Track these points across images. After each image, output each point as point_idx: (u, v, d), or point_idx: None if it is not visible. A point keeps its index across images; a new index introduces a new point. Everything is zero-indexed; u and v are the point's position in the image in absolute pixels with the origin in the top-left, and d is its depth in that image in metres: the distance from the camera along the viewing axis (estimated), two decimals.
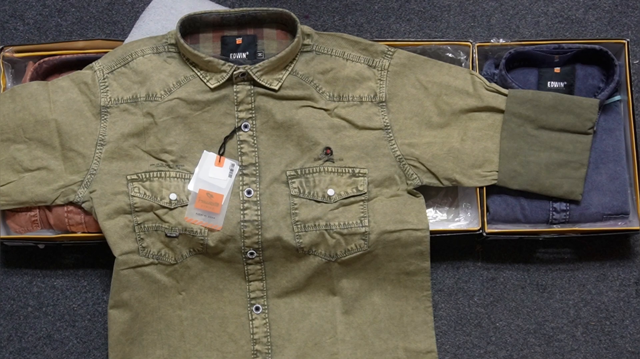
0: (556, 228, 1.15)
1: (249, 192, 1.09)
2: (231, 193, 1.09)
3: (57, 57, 1.17)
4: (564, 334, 1.20)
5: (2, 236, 1.15)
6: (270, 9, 1.11)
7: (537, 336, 1.20)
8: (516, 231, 1.15)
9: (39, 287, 1.22)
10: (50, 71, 1.19)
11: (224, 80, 1.09)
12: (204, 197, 1.07)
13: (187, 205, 1.08)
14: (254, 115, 1.10)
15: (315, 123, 1.10)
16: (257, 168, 1.10)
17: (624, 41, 1.18)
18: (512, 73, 1.18)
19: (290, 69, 1.11)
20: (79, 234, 1.14)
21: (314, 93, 1.11)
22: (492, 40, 1.19)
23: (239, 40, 1.13)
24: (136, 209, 1.08)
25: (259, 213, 1.08)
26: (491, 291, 1.22)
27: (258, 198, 1.09)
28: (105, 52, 1.18)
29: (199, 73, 1.10)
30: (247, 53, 1.13)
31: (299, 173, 1.09)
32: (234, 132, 1.10)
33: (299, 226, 1.08)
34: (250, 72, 1.09)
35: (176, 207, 1.08)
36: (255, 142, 1.10)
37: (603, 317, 1.21)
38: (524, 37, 1.29)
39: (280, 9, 1.10)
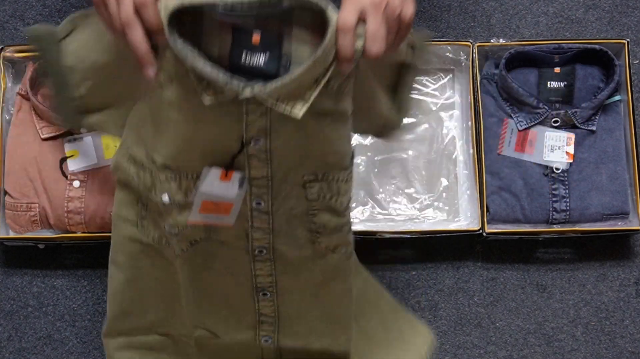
0: (556, 228, 1.15)
1: (258, 203, 0.87)
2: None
3: None
4: (564, 334, 1.20)
5: (2, 236, 1.15)
6: None
7: (537, 336, 1.20)
8: (516, 231, 1.15)
9: (39, 287, 1.22)
10: None
11: (223, 100, 0.75)
12: (209, 206, 0.87)
13: (184, 205, 0.89)
14: (268, 133, 0.80)
15: (344, 133, 0.86)
16: (269, 180, 0.85)
17: (624, 41, 1.18)
18: (512, 73, 1.18)
19: (322, 82, 0.74)
20: (79, 234, 1.14)
21: (347, 105, 0.81)
22: (492, 40, 1.19)
23: (256, 38, 0.75)
24: (139, 191, 0.93)
25: (270, 221, 0.89)
26: (491, 291, 1.22)
27: (269, 209, 0.88)
28: None
29: (192, 76, 0.75)
30: (268, 54, 0.76)
31: (320, 178, 0.87)
32: (242, 148, 0.82)
33: (317, 231, 0.92)
34: (260, 98, 0.74)
35: (172, 209, 0.89)
36: (268, 157, 0.83)
37: (603, 317, 1.21)
38: (524, 37, 1.29)
39: None
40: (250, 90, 0.73)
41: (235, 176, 0.83)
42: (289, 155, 0.83)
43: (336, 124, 0.83)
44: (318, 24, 0.73)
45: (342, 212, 0.91)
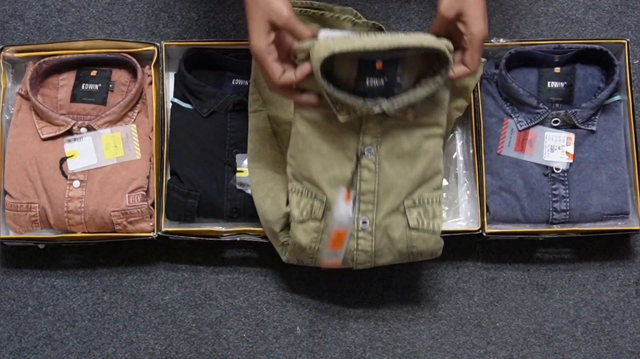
0: (556, 228, 1.15)
1: (364, 222, 1.04)
2: None
3: (57, 57, 1.18)
4: (564, 334, 1.20)
5: (2, 236, 1.15)
6: (425, 44, 0.90)
7: (537, 336, 1.20)
8: (516, 231, 1.15)
9: (39, 287, 1.22)
10: (50, 71, 1.19)
11: (354, 117, 0.98)
12: (336, 237, 1.03)
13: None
14: (379, 141, 1.01)
15: (439, 151, 1.04)
16: (375, 196, 1.03)
17: (624, 41, 1.18)
18: (512, 73, 1.18)
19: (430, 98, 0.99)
20: (79, 234, 1.14)
21: (441, 118, 1.02)
22: (492, 40, 1.19)
23: (379, 64, 0.95)
24: None
25: (373, 244, 1.05)
26: (491, 291, 1.22)
27: (372, 229, 1.04)
28: (105, 52, 1.18)
29: (328, 100, 0.97)
30: (385, 78, 0.96)
31: (417, 203, 1.04)
32: (357, 159, 1.02)
33: (414, 255, 1.07)
34: (388, 112, 0.97)
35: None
36: (377, 169, 1.02)
37: (603, 317, 1.21)
38: (524, 37, 1.29)
39: (436, 47, 0.90)
40: (379, 107, 0.96)
41: (352, 196, 1.02)
42: (393, 167, 1.02)
43: (434, 138, 1.02)
44: (426, 54, 0.95)
45: (432, 235, 1.05)
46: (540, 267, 1.22)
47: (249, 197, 1.14)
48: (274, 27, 0.92)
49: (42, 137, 1.15)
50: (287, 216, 1.08)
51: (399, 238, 1.05)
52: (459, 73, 0.95)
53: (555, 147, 1.16)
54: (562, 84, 1.18)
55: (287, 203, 1.08)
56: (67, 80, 1.20)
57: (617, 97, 1.18)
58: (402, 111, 0.99)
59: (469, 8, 0.92)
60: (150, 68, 1.20)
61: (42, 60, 1.17)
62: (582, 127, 1.16)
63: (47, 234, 1.15)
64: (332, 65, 0.95)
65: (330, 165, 1.02)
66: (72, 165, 1.15)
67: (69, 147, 1.15)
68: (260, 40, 0.92)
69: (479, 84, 1.18)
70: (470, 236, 1.19)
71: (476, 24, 0.93)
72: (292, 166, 1.06)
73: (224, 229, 1.15)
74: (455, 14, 0.93)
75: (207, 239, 1.16)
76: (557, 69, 1.18)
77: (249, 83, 1.20)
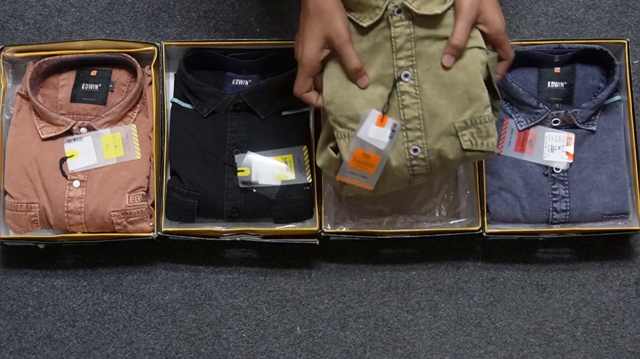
0: (556, 228, 1.15)
1: (415, 150, 0.99)
2: (397, 152, 0.99)
3: (57, 57, 1.18)
4: (564, 334, 1.20)
5: (2, 236, 1.15)
6: None
7: (537, 336, 1.20)
8: (516, 231, 1.15)
9: (39, 287, 1.22)
10: (50, 71, 1.19)
11: (379, 17, 0.96)
12: (360, 157, 0.98)
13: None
14: (414, 62, 0.98)
15: (480, 66, 0.99)
16: (422, 121, 0.98)
17: (624, 41, 1.18)
18: (512, 73, 1.18)
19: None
20: (79, 234, 1.14)
21: (477, 31, 0.99)
22: None
23: None
24: None
25: (429, 167, 1.00)
26: (491, 291, 1.22)
27: (426, 155, 0.99)
28: (105, 52, 1.18)
29: (352, 17, 0.97)
30: None
31: (469, 123, 0.98)
32: (394, 84, 0.98)
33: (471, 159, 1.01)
34: (407, 3, 0.95)
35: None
36: (418, 92, 0.98)
37: (603, 317, 1.21)
38: (524, 37, 1.29)
39: None
40: (397, 1, 0.96)
41: (389, 123, 0.97)
42: (434, 87, 0.98)
43: (470, 49, 0.97)
44: None
45: (493, 151, 1.00)
46: (540, 267, 1.22)
47: (249, 197, 1.14)
48: (329, 45, 0.97)
49: (42, 137, 1.15)
50: None
51: (453, 159, 0.99)
52: (501, 70, 1.02)
53: (555, 147, 1.16)
54: (562, 84, 1.18)
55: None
56: (67, 80, 1.20)
57: (617, 97, 1.18)
58: (427, 6, 0.96)
59: (485, 8, 0.97)
60: (150, 68, 1.20)
61: (42, 60, 1.17)
62: (582, 127, 1.16)
63: (47, 234, 1.15)
64: None
65: (372, 99, 0.99)
66: (72, 165, 1.15)
67: (69, 147, 1.15)
68: (313, 53, 0.97)
69: None
70: (470, 236, 1.19)
71: (495, 22, 0.98)
72: (332, 113, 1.00)
73: (224, 229, 1.15)
74: (475, 16, 0.97)
75: (207, 239, 1.16)
76: (557, 69, 1.19)
77: (249, 83, 1.20)
